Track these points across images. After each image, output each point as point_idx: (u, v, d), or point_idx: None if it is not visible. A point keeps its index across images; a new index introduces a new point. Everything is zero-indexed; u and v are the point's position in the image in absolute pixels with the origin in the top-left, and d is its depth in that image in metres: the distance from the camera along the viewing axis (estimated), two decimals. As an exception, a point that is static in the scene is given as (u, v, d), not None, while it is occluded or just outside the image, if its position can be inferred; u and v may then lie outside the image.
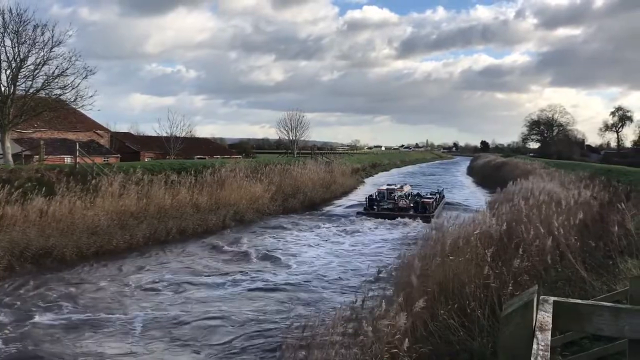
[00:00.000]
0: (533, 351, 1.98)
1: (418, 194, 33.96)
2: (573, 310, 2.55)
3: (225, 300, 13.69)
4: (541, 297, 2.61)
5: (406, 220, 28.47)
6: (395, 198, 31.82)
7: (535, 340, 2.09)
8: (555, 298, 2.60)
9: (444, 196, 35.19)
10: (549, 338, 2.13)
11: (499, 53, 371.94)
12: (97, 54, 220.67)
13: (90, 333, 11.13)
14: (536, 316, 2.33)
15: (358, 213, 30.73)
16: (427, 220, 27.15)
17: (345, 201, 37.72)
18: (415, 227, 25.96)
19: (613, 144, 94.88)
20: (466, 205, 34.00)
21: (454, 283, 9.22)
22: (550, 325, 2.27)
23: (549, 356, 1.96)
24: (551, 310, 2.44)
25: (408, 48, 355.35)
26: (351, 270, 17.02)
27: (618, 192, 21.47)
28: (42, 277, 15.25)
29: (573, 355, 5.90)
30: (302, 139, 70.29)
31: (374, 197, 32.58)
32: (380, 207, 31.10)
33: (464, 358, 7.62)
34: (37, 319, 11.93)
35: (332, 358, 7.50)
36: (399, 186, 35.50)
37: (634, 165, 47.41)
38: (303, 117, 68.15)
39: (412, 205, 30.93)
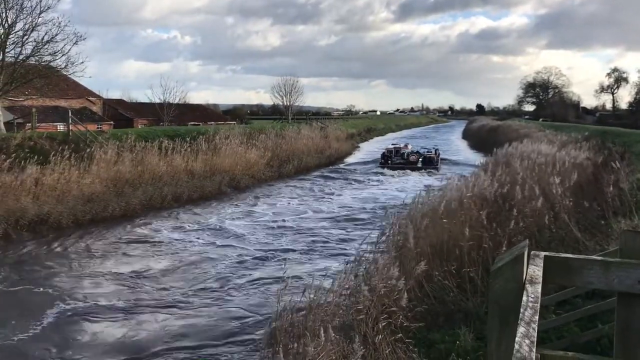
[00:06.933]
0: (523, 302, 1.99)
1: (417, 152, 39.46)
2: (564, 265, 2.56)
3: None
4: (532, 252, 2.62)
5: (418, 171, 34.21)
6: (405, 154, 37.96)
7: (525, 292, 2.10)
8: (547, 253, 2.61)
9: (439, 153, 40.18)
10: (539, 291, 2.14)
11: (496, 15, 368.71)
12: (92, 21, 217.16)
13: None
14: (527, 270, 2.34)
15: (378, 165, 36.65)
16: (435, 170, 34.29)
17: (343, 165, 38.42)
18: (425, 176, 31.84)
19: (608, 105, 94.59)
20: (455, 160, 40.83)
21: (448, 245, 9.29)
22: (541, 279, 2.28)
23: (538, 307, 1.97)
24: (542, 265, 2.45)
25: (406, 11, 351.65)
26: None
27: (612, 153, 21.49)
28: (38, 244, 15.33)
29: (567, 313, 6.02)
30: (296, 104, 70.04)
31: (386, 153, 38.37)
32: (393, 162, 36.88)
33: (458, 317, 7.74)
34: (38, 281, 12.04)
35: (332, 315, 7.55)
36: (403, 145, 41.77)
37: (629, 126, 47.46)
38: (297, 82, 67.78)
39: (420, 159, 36.83)
